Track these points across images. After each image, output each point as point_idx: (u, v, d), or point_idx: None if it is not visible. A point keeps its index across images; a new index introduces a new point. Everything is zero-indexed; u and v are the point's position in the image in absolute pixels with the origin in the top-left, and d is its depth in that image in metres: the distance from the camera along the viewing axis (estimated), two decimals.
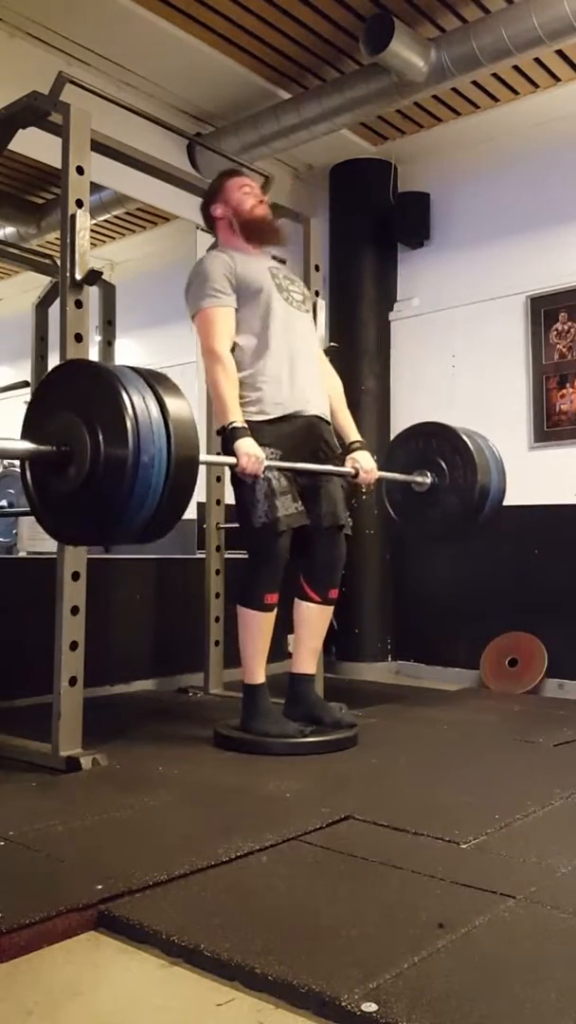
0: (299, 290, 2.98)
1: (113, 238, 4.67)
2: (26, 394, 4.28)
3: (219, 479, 3.67)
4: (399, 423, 4.75)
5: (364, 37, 3.46)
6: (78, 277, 2.51)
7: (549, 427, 4.27)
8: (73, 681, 2.47)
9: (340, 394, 3.07)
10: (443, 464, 3.21)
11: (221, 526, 3.68)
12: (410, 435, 3.39)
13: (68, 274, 2.52)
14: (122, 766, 2.44)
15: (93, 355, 2.87)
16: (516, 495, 4.33)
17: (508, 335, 4.41)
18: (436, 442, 3.25)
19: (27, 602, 3.26)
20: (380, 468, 3.04)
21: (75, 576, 2.48)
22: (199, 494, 3.09)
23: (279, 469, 2.67)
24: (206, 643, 3.64)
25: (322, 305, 3.45)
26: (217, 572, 3.65)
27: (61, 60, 3.67)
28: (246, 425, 2.62)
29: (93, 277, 2.51)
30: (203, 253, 3.73)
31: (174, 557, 4.09)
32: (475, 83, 4.02)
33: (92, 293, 2.62)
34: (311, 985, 1.20)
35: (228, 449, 2.60)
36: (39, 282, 4.24)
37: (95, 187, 2.70)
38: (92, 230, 2.60)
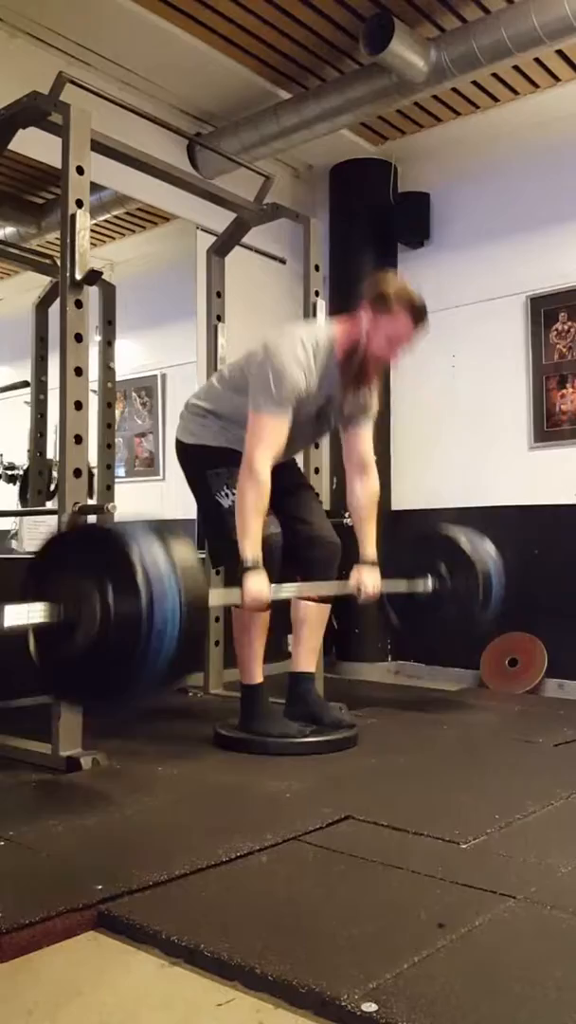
0: (321, 429, 2.88)
1: (113, 238, 4.67)
2: (26, 394, 4.28)
3: None
4: (399, 424, 4.76)
5: (364, 37, 3.46)
6: (78, 277, 2.51)
7: (549, 427, 4.27)
8: None
9: (373, 503, 2.93)
10: (443, 568, 3.23)
11: None
12: (411, 540, 3.44)
13: (68, 274, 2.52)
14: (122, 766, 2.44)
15: (93, 355, 2.87)
16: (516, 495, 4.35)
17: (508, 335, 4.41)
18: (433, 546, 3.29)
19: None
20: (381, 567, 2.97)
21: None
22: None
23: (283, 596, 2.61)
24: (206, 643, 3.64)
25: (322, 305, 3.45)
26: (217, 572, 3.65)
27: (61, 60, 3.67)
28: (260, 562, 2.52)
29: (93, 277, 2.51)
30: (202, 255, 3.76)
31: None
32: (475, 83, 4.02)
33: (92, 293, 2.62)
34: (311, 985, 1.21)
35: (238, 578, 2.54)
36: (39, 282, 4.24)
37: (95, 187, 2.70)
38: (92, 230, 2.60)
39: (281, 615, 2.83)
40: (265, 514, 2.57)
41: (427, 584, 3.22)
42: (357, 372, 2.66)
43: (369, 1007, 1.15)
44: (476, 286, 4.52)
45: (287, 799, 2.14)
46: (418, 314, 2.62)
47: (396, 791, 2.25)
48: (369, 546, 2.91)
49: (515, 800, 2.12)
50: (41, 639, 2.06)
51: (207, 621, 2.04)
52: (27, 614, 1.97)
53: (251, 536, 2.52)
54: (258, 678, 2.75)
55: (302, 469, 3.18)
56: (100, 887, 1.52)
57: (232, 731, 2.72)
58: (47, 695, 2.08)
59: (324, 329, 2.73)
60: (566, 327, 4.23)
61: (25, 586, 2.08)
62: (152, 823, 1.97)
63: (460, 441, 4.54)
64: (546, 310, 4.29)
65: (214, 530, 2.77)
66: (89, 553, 2.02)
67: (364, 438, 2.91)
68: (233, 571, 2.74)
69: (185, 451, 2.85)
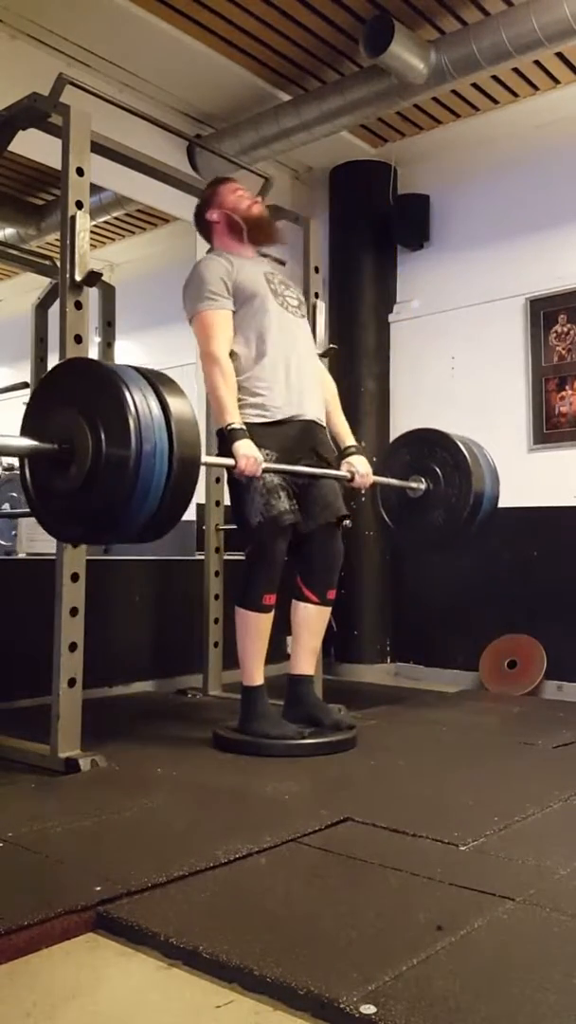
0: (295, 295, 2.98)
1: (113, 239, 4.68)
2: (25, 395, 4.29)
3: (218, 480, 3.67)
4: (399, 425, 4.75)
5: (364, 39, 3.47)
6: (78, 278, 2.51)
7: (548, 429, 4.27)
8: (72, 682, 2.47)
9: (335, 397, 3.07)
10: (438, 471, 3.22)
11: (220, 527, 3.68)
12: (406, 441, 3.40)
13: (68, 275, 2.52)
14: (121, 767, 2.43)
15: (92, 356, 2.87)
16: (515, 497, 4.33)
17: (507, 337, 4.41)
18: (431, 449, 3.26)
19: (27, 603, 3.26)
20: (376, 472, 3.04)
21: (74, 577, 2.48)
22: (198, 495, 3.07)
23: (276, 471, 2.67)
24: (205, 644, 3.64)
25: (322, 307, 3.45)
26: (216, 574, 3.65)
27: (61, 62, 3.67)
28: (244, 427, 2.63)
29: (93, 278, 2.52)
30: (202, 255, 3.76)
31: (173, 558, 4.09)
32: (475, 85, 4.03)
33: (92, 294, 2.63)
34: (310, 987, 1.20)
35: (226, 450, 2.61)
36: (39, 283, 4.24)
37: (95, 188, 2.71)
38: (92, 231, 2.60)
39: (281, 615, 2.83)
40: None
41: (420, 483, 3.23)
42: (257, 228, 2.93)
43: (368, 1009, 1.14)
44: (475, 288, 4.53)
45: (286, 801, 2.14)
46: (224, 177, 3.07)
47: (395, 793, 2.25)
48: (347, 436, 3.02)
49: (514, 802, 2.12)
50: (37, 474, 2.13)
51: (197, 475, 2.12)
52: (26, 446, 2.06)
53: (228, 405, 2.64)
54: (259, 679, 2.75)
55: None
56: (99, 889, 1.51)
57: (231, 733, 2.72)
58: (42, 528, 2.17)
59: (214, 252, 2.95)
60: (565, 329, 4.23)
61: (24, 423, 2.14)
62: (151, 825, 1.97)
63: None
64: (545, 312, 4.29)
65: (238, 516, 2.77)
66: (84, 394, 2.07)
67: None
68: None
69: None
